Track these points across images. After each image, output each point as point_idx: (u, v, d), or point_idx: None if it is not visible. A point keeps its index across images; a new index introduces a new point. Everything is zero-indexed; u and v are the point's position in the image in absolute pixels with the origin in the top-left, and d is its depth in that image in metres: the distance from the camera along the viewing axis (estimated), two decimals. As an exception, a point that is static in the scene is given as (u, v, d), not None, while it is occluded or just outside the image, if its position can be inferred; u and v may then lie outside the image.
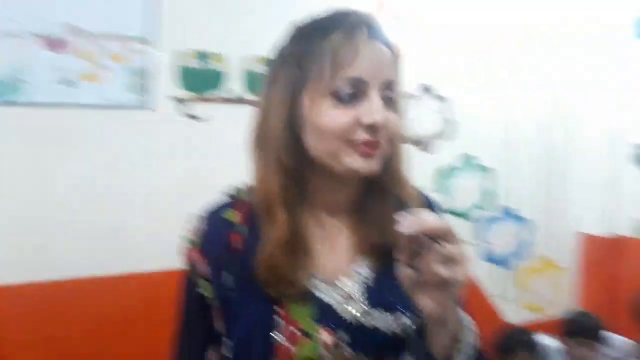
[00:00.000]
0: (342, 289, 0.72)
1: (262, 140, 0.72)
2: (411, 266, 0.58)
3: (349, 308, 0.70)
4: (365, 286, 0.72)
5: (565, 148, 2.82)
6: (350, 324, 0.70)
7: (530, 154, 2.72)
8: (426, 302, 0.59)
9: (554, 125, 2.76)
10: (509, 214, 2.74)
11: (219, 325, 0.73)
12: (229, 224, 0.74)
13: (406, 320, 0.70)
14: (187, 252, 0.75)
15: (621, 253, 2.81)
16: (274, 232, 0.69)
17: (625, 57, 2.76)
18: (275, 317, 0.69)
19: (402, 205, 0.60)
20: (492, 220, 2.70)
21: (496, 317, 2.65)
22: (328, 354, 0.69)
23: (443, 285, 0.57)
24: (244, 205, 0.75)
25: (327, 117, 0.67)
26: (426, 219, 0.56)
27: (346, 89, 0.67)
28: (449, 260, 0.56)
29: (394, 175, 0.74)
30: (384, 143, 0.69)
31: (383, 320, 0.70)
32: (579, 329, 2.23)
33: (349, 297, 0.71)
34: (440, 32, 2.47)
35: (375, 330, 0.70)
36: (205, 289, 0.73)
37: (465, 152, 2.62)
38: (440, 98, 2.52)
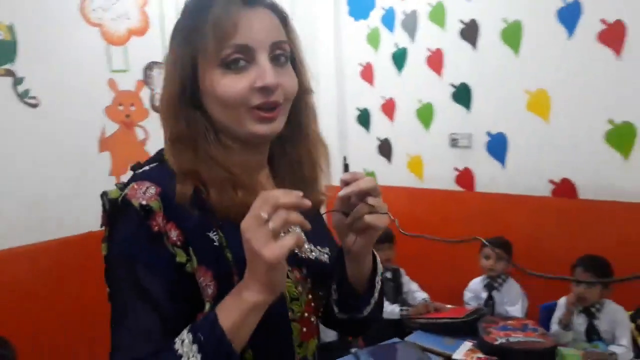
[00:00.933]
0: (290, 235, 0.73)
1: (164, 114, 0.73)
2: (344, 213, 0.73)
3: (304, 247, 0.78)
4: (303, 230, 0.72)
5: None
6: (303, 258, 0.78)
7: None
8: (350, 241, 0.75)
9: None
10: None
11: (207, 287, 0.68)
12: (174, 186, 0.69)
13: (326, 249, 0.83)
14: (150, 221, 0.67)
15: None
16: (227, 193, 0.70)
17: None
18: None
19: (312, 163, 0.77)
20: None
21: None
22: (301, 287, 0.76)
23: (367, 229, 0.72)
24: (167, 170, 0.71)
25: (221, 86, 0.69)
26: (359, 182, 0.69)
27: (233, 57, 0.68)
28: (374, 210, 0.70)
29: (302, 131, 0.79)
30: (282, 102, 0.71)
31: (316, 251, 0.81)
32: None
33: None
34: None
35: (317, 260, 0.80)
36: (181, 257, 0.67)
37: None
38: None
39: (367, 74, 3.26)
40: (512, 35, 2.58)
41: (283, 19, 0.76)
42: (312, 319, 0.79)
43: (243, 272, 0.63)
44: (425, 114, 2.99)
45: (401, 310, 2.50)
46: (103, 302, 0.70)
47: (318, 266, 0.79)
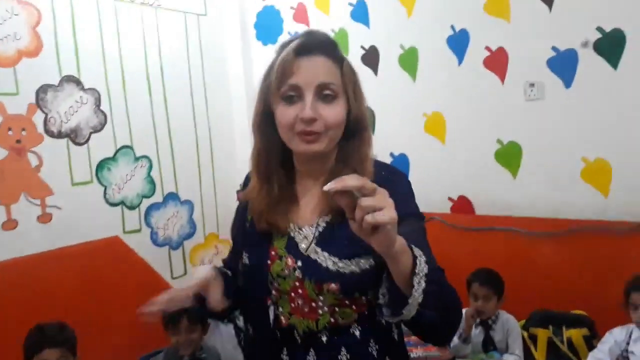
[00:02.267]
0: (304, 231, 0.99)
1: (252, 128, 1.03)
2: (352, 219, 0.72)
3: (303, 245, 0.98)
4: (318, 233, 0.98)
5: (220, 138, 3.27)
6: (304, 255, 0.97)
7: (182, 143, 3.06)
8: (376, 244, 0.72)
9: (201, 119, 3.18)
10: (172, 199, 3.02)
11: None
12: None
13: (335, 259, 0.95)
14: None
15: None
16: (270, 191, 1.01)
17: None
18: (267, 245, 1.01)
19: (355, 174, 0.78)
20: (157, 206, 2.93)
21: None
22: (288, 272, 0.98)
23: (375, 229, 0.69)
24: None
25: (279, 114, 0.95)
26: (343, 180, 0.69)
27: (288, 93, 0.93)
28: (372, 210, 0.68)
29: (350, 154, 0.99)
30: (322, 131, 0.93)
31: (322, 256, 0.96)
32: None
33: (305, 238, 0.99)
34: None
35: (316, 262, 0.96)
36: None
37: (122, 144, 2.77)
38: (92, 91, 2.61)
39: (278, 97, 3.28)
40: (409, 61, 2.71)
41: (339, 63, 0.96)
42: (300, 302, 0.97)
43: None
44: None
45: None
46: None
47: (314, 267, 0.95)
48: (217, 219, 3.31)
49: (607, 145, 2.19)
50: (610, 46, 2.13)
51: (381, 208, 0.68)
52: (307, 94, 0.92)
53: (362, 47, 2.85)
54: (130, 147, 2.84)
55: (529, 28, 2.34)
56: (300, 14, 3.11)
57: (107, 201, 2.73)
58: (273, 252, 1.01)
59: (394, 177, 1.02)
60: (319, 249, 0.97)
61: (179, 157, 3.08)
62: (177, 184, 3.08)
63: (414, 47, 2.68)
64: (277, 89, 0.94)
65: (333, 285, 0.94)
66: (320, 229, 0.99)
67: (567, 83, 2.26)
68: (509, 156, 2.47)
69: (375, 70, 2.82)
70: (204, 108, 3.23)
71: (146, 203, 2.92)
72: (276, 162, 1.02)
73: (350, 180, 0.68)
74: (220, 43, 3.31)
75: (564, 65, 2.26)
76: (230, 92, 3.35)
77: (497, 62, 2.44)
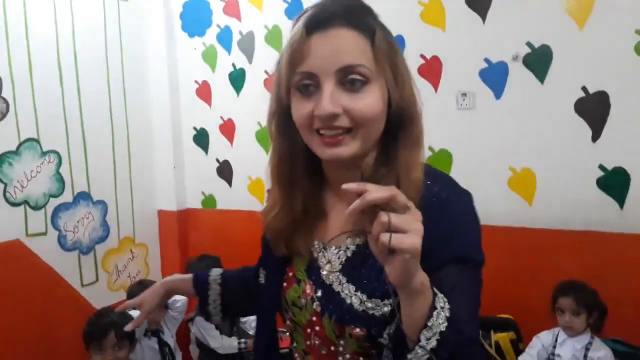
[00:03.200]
0: (329, 253, 0.80)
1: (268, 129, 0.81)
2: (370, 233, 0.59)
3: (324, 272, 0.79)
4: (345, 257, 0.78)
5: (138, 134, 3.03)
6: (325, 283, 0.79)
7: (96, 137, 2.80)
8: (389, 270, 0.59)
9: (119, 114, 2.92)
10: (84, 198, 2.76)
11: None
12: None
13: (363, 297, 0.74)
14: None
15: (190, 223, 3.24)
16: (292, 206, 0.82)
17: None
18: (285, 263, 0.85)
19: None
20: (66, 206, 2.66)
21: (85, 305, 2.64)
22: (304, 302, 0.80)
23: (393, 253, 0.57)
24: None
25: (294, 109, 0.74)
26: (367, 194, 0.56)
27: (302, 83, 0.71)
28: (395, 229, 0.55)
29: (394, 157, 0.74)
30: (350, 126, 0.70)
31: (347, 289, 0.76)
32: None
33: (329, 262, 0.79)
34: None
35: (339, 296, 0.76)
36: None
37: (27, 137, 2.47)
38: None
39: (204, 92, 3.12)
40: (344, 63, 2.67)
41: (369, 35, 0.71)
42: (317, 342, 0.80)
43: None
44: (265, 137, 2.94)
45: (239, 343, 2.38)
46: None
47: (336, 302, 0.76)
48: (134, 221, 3.07)
49: (532, 155, 2.29)
50: (539, 61, 2.23)
51: (404, 231, 0.56)
52: (325, 82, 0.70)
53: (297, 47, 2.77)
54: (36, 140, 2.53)
55: (463, 39, 2.39)
56: (231, 7, 2.97)
57: (7, 200, 2.41)
58: (291, 273, 0.84)
59: (451, 197, 0.76)
60: (344, 280, 0.77)
61: (93, 152, 2.81)
62: (90, 182, 2.81)
63: (350, 50, 2.65)
64: (288, 78, 0.73)
65: (357, 330, 0.74)
66: (349, 253, 0.78)
67: (498, 94, 2.34)
68: (440, 163, 2.51)
69: (310, 71, 2.75)
70: (122, 101, 2.98)
71: (53, 203, 2.62)
72: (301, 169, 0.81)
73: (377, 193, 0.56)
74: (142, 32, 3.07)
75: (495, 76, 2.33)
76: (151, 85, 3.13)
77: (431, 70, 2.47)
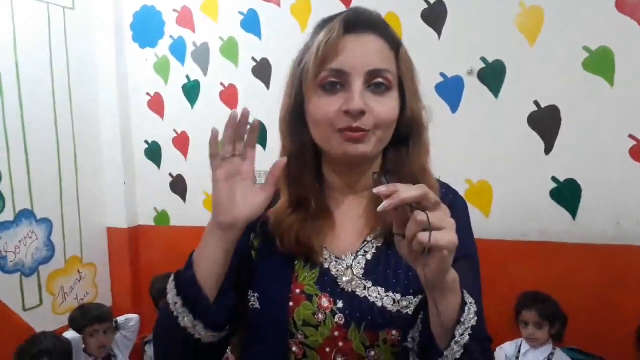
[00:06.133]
0: (345, 260, 0.77)
1: (280, 129, 0.81)
2: (403, 236, 0.59)
3: (345, 278, 0.75)
4: (366, 261, 0.77)
5: (86, 148, 2.89)
6: (346, 292, 0.75)
7: (40, 151, 2.65)
8: (421, 270, 0.59)
9: (64, 127, 2.79)
10: (26, 217, 2.59)
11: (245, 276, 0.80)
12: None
13: (396, 297, 0.73)
14: None
15: (142, 241, 3.11)
16: (307, 206, 0.78)
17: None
18: (287, 279, 0.76)
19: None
20: (7, 225, 2.49)
21: (27, 330, 2.46)
22: (323, 318, 0.74)
23: (428, 252, 0.57)
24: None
25: (316, 107, 0.74)
26: (398, 192, 0.56)
27: (329, 80, 0.72)
28: (432, 227, 0.56)
29: (402, 163, 0.77)
30: (370, 129, 0.72)
31: (375, 292, 0.74)
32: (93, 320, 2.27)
33: (349, 269, 0.76)
34: None
35: (366, 301, 0.73)
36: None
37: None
38: None
39: (156, 105, 3.01)
40: (302, 76, 2.64)
41: (395, 47, 0.76)
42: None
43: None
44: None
45: None
46: None
47: (364, 308, 0.73)
48: (81, 240, 2.92)
49: (488, 168, 2.33)
50: (493, 76, 2.28)
51: (440, 227, 0.57)
52: (354, 81, 0.72)
53: (254, 59, 2.73)
54: (-28, 156, 2.37)
55: (419, 53, 2.40)
56: (185, 18, 2.89)
57: (-62, 220, 2.24)
58: (298, 290, 0.76)
59: (455, 201, 0.82)
60: (369, 284, 0.75)
61: (36, 168, 2.65)
62: (33, 199, 2.65)
63: (307, 63, 2.63)
64: (315, 75, 0.72)
65: (394, 333, 0.72)
66: (369, 257, 0.77)
67: (454, 108, 2.37)
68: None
69: (267, 84, 2.71)
70: (68, 115, 2.84)
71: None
72: (310, 170, 0.80)
73: (409, 192, 0.57)
74: (89, 43, 2.95)
75: (450, 91, 2.36)
76: (100, 98, 3.00)
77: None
